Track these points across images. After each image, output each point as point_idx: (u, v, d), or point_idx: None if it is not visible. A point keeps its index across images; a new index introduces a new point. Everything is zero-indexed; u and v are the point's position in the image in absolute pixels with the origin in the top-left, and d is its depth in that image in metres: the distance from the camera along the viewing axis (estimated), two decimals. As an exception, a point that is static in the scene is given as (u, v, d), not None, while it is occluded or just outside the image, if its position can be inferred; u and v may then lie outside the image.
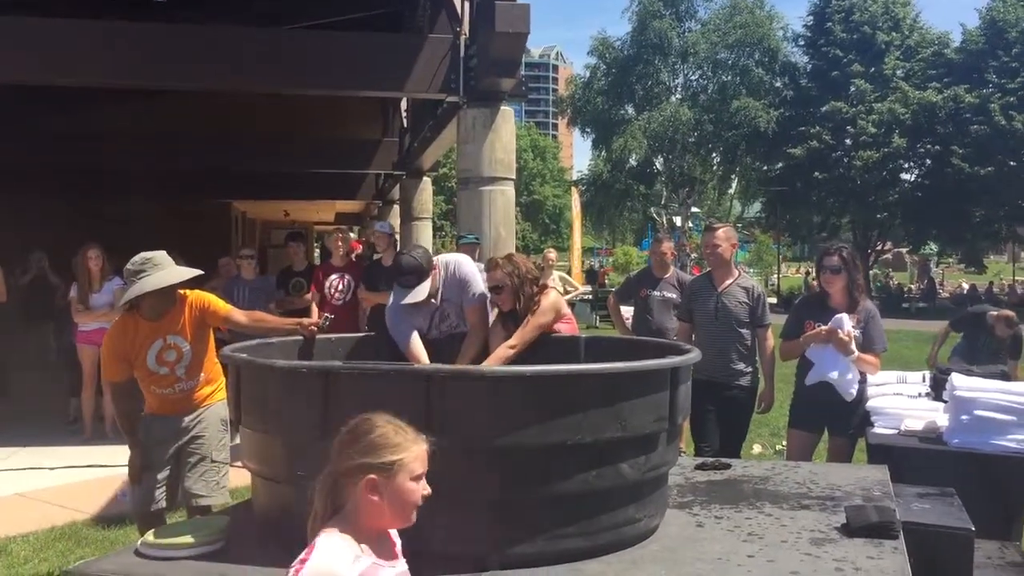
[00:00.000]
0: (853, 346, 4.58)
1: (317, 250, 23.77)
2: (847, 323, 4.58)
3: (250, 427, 2.82)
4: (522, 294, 4.03)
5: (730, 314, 5.14)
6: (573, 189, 37.78)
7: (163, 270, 3.77)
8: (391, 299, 4.38)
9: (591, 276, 31.40)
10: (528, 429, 2.50)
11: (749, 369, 5.19)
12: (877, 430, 4.56)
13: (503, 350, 3.86)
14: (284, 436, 2.70)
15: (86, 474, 6.35)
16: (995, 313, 7.59)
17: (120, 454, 6.56)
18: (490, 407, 2.51)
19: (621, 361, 2.98)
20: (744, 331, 5.16)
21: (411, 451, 1.96)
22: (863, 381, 4.80)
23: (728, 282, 5.24)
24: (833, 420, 4.82)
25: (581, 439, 2.54)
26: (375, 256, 8.44)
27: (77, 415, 7.96)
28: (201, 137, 12.55)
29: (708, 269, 5.48)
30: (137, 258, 3.79)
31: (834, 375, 4.59)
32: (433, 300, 4.34)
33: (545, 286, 4.17)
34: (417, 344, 4.14)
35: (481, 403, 2.52)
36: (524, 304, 4.03)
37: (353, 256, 8.50)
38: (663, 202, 42.60)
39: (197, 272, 3.95)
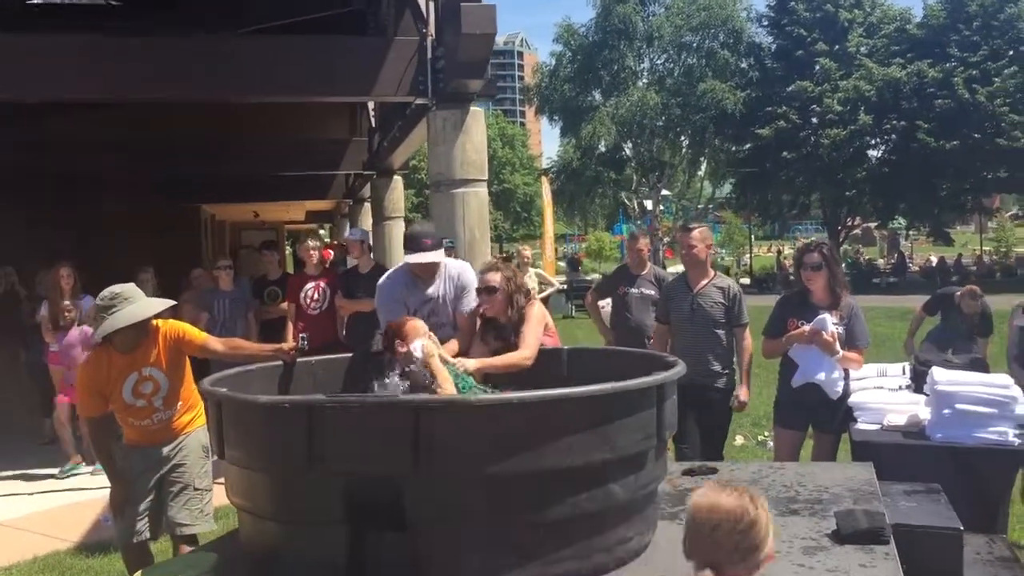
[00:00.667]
0: (837, 346, 4.60)
1: (288, 249, 23.59)
2: (830, 323, 4.60)
3: (234, 462, 2.77)
4: (515, 303, 4.00)
5: (706, 315, 5.14)
6: (543, 178, 37.74)
7: (133, 304, 3.70)
8: (391, 272, 4.44)
9: (572, 264, 31.09)
10: (518, 456, 2.48)
11: (727, 371, 5.20)
12: (860, 426, 4.58)
13: (521, 359, 3.81)
14: (269, 472, 2.66)
15: (66, 498, 6.25)
16: (959, 292, 7.67)
17: (99, 477, 6.52)
18: (480, 436, 2.48)
19: (605, 374, 2.97)
20: (720, 332, 5.16)
21: None
22: (846, 377, 4.83)
23: (703, 283, 5.23)
24: (818, 417, 4.86)
25: (571, 463, 2.52)
26: (350, 262, 8.38)
27: (52, 435, 7.84)
28: (169, 142, 12.40)
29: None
30: (107, 293, 3.72)
31: (820, 376, 4.61)
32: (431, 291, 4.32)
33: (531, 296, 4.14)
34: None
35: (471, 432, 2.49)
36: (514, 313, 4.00)
37: (327, 263, 8.45)
38: (633, 187, 42.67)
39: (169, 304, 3.89)
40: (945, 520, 3.31)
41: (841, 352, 4.61)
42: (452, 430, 2.47)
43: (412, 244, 4.24)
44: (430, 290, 4.32)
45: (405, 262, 4.35)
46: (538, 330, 3.97)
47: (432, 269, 4.31)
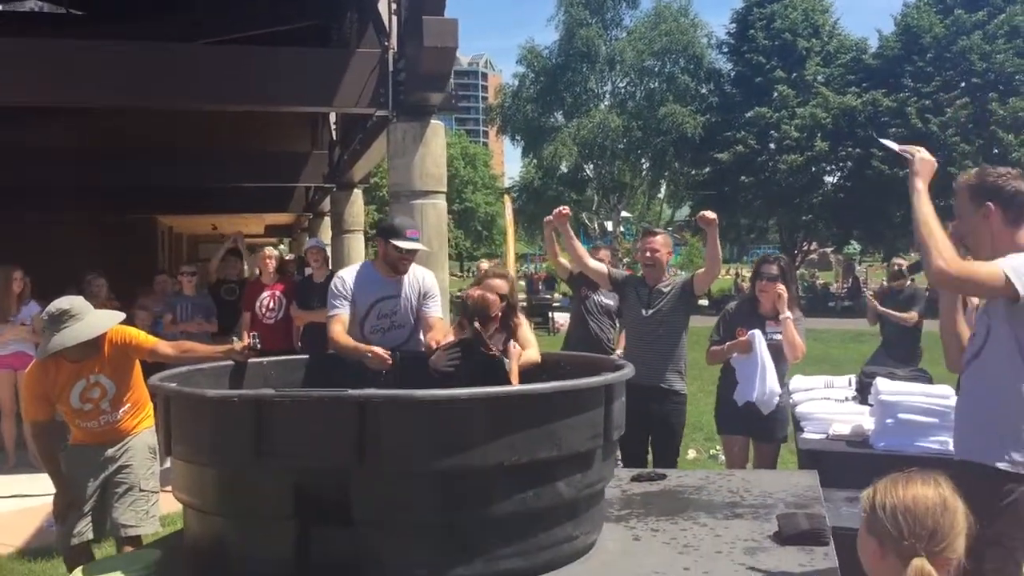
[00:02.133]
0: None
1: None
2: (760, 340, 4.72)
3: (181, 457, 2.76)
4: (512, 313, 4.02)
5: (665, 303, 5.08)
6: (506, 198, 37.88)
7: (81, 321, 3.67)
8: (352, 267, 4.49)
9: (530, 284, 31.04)
10: (464, 452, 2.50)
11: (680, 375, 5.17)
12: (806, 435, 4.66)
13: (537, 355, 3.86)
14: (216, 467, 2.65)
15: (9, 505, 6.13)
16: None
17: (44, 482, 6.39)
18: (425, 431, 2.50)
19: (554, 378, 3.01)
20: (676, 335, 5.11)
21: None
22: (783, 389, 4.95)
23: (662, 281, 5.21)
24: (756, 428, 4.96)
25: (517, 460, 2.54)
26: (307, 272, 8.36)
27: (1, 443, 7.70)
28: (125, 151, 12.31)
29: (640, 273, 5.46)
30: (54, 308, 3.68)
31: (754, 395, 4.72)
32: (395, 290, 4.32)
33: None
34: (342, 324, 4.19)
35: (416, 427, 2.50)
36: (505, 326, 4.02)
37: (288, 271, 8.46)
38: (594, 208, 42.97)
39: (119, 318, 3.86)
40: (884, 524, 3.37)
41: (788, 315, 4.72)
42: (397, 425, 2.48)
43: (396, 232, 4.24)
44: (394, 288, 4.32)
45: (388, 249, 4.29)
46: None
47: (410, 260, 4.33)
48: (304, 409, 2.55)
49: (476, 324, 3.64)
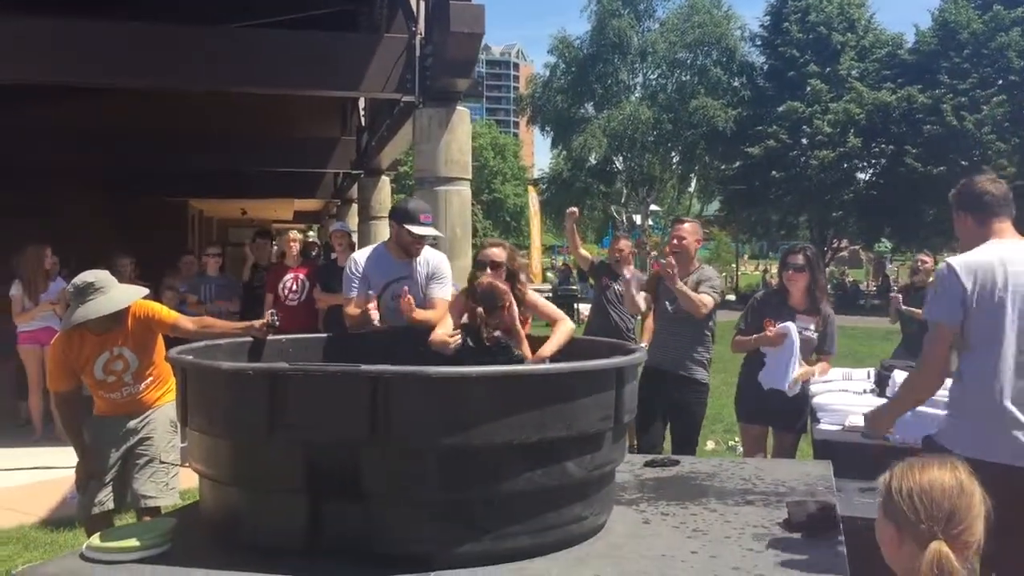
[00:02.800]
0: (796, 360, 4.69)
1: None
2: (794, 332, 4.67)
3: (197, 429, 2.80)
4: (516, 281, 4.06)
5: (685, 308, 5.10)
6: (531, 188, 37.85)
7: (106, 294, 3.74)
8: (365, 248, 4.57)
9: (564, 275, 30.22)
10: (475, 429, 2.52)
11: (703, 365, 5.18)
12: (822, 426, 4.65)
13: (571, 328, 3.94)
14: (231, 438, 2.70)
15: (34, 476, 6.26)
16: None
17: (68, 455, 6.51)
18: (436, 408, 2.52)
19: (567, 360, 3.02)
20: (701, 324, 5.13)
21: None
22: (806, 380, 4.91)
23: (688, 276, 5.22)
24: (776, 417, 4.93)
25: (527, 438, 2.56)
26: (332, 256, 8.42)
27: (28, 417, 7.84)
28: (157, 135, 12.43)
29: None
30: (79, 281, 3.76)
31: (784, 384, 4.68)
32: (406, 271, 4.37)
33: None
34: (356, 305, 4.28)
35: (427, 404, 2.53)
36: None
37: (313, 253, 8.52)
38: (623, 200, 42.86)
39: (142, 293, 3.93)
40: (896, 515, 3.36)
41: (803, 368, 4.68)
42: (410, 400, 2.51)
43: (410, 217, 4.27)
44: (406, 270, 4.36)
45: (401, 233, 4.33)
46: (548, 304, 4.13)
47: (423, 244, 4.37)
48: (317, 383, 2.58)
49: (480, 311, 3.68)
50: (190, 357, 2.89)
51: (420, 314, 4.06)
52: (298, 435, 2.54)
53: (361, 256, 4.46)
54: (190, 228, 18.50)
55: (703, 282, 5.16)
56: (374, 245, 4.82)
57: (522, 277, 4.13)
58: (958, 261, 3.15)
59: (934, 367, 3.20)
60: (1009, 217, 3.20)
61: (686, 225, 5.34)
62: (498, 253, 4.07)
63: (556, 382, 2.67)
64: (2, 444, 6.93)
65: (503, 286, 3.79)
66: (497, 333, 3.67)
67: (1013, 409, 3.02)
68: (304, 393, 2.55)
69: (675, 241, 5.24)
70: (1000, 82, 33.08)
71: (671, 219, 18.38)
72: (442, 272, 4.44)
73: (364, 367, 2.56)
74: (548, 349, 3.79)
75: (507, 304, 3.75)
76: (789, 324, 4.71)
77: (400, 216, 4.33)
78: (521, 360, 3.65)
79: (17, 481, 6.18)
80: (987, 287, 3.05)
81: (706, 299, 4.98)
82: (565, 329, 3.88)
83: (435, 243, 6.91)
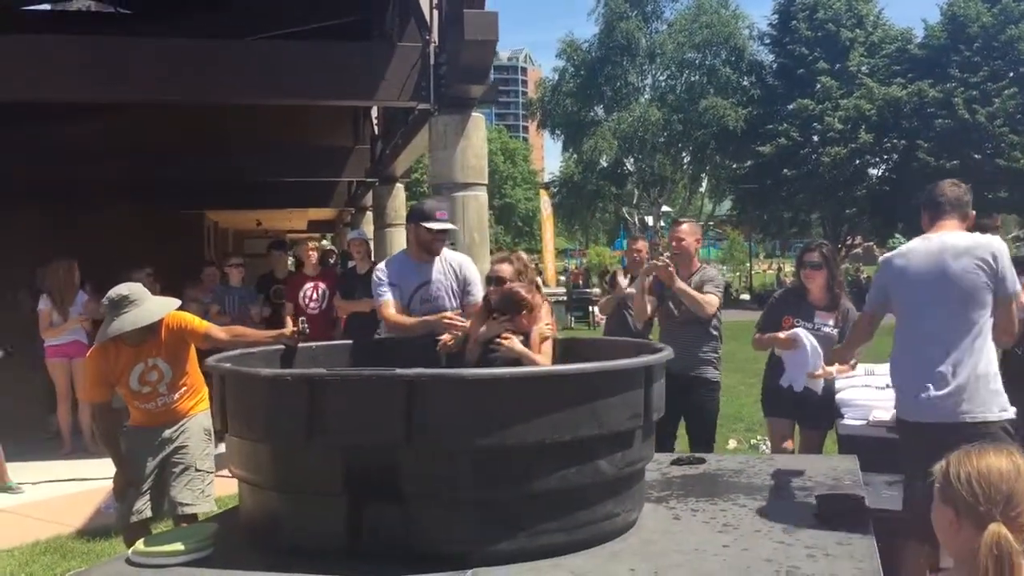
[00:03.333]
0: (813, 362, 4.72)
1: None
2: (803, 336, 4.70)
3: (236, 434, 2.87)
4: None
5: (690, 308, 5.14)
6: (543, 192, 37.90)
7: (140, 306, 3.82)
8: (389, 257, 4.65)
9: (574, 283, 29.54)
10: (508, 429, 2.57)
11: (714, 362, 5.23)
12: (847, 421, 4.68)
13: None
14: (270, 443, 2.76)
15: (68, 488, 6.35)
16: None
17: (100, 467, 6.60)
18: (471, 409, 2.58)
19: (595, 361, 3.07)
20: (705, 322, 5.17)
21: None
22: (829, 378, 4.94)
23: (690, 276, 5.26)
24: (802, 413, 4.95)
25: (560, 437, 2.61)
26: (350, 264, 8.49)
27: (57, 429, 7.93)
28: (172, 147, 12.53)
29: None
30: (115, 294, 3.83)
31: (800, 385, 4.70)
32: (430, 275, 4.44)
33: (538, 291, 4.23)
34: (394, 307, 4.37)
35: (462, 405, 2.58)
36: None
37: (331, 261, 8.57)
38: (635, 202, 42.88)
39: (175, 304, 4.00)
40: (924, 507, 3.40)
41: (822, 369, 4.70)
42: (445, 403, 2.57)
43: (426, 215, 4.35)
44: (430, 273, 4.43)
45: (419, 232, 4.41)
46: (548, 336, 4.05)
47: (443, 240, 4.44)
48: (355, 387, 2.64)
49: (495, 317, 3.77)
50: (229, 364, 2.95)
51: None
52: (336, 439, 2.60)
53: (386, 264, 4.56)
54: (206, 240, 18.60)
55: (706, 282, 5.21)
56: (395, 253, 4.90)
57: (538, 293, 4.11)
58: (886, 255, 3.80)
59: (857, 340, 4.16)
60: (958, 217, 3.64)
61: (684, 226, 5.41)
62: (505, 269, 4.08)
63: (587, 382, 2.72)
64: (34, 457, 7.02)
65: (523, 291, 3.83)
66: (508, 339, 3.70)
67: (922, 373, 3.48)
68: (342, 398, 2.61)
69: (674, 243, 5.30)
70: (1011, 75, 32.96)
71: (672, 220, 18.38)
72: (471, 278, 4.51)
73: (399, 371, 2.62)
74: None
75: (528, 309, 3.80)
76: (797, 331, 4.73)
77: (417, 216, 4.42)
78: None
79: (51, 493, 6.26)
80: (908, 271, 3.59)
81: (711, 298, 5.04)
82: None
83: (453, 244, 7.00)
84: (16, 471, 6.34)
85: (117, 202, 13.23)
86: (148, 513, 3.95)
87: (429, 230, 4.34)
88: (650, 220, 41.10)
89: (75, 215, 13.00)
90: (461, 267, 4.51)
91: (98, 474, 6.35)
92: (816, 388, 4.73)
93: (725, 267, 51.67)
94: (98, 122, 11.72)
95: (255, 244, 20.56)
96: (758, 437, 7.66)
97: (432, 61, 7.35)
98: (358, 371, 2.83)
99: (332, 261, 9.54)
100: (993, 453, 1.90)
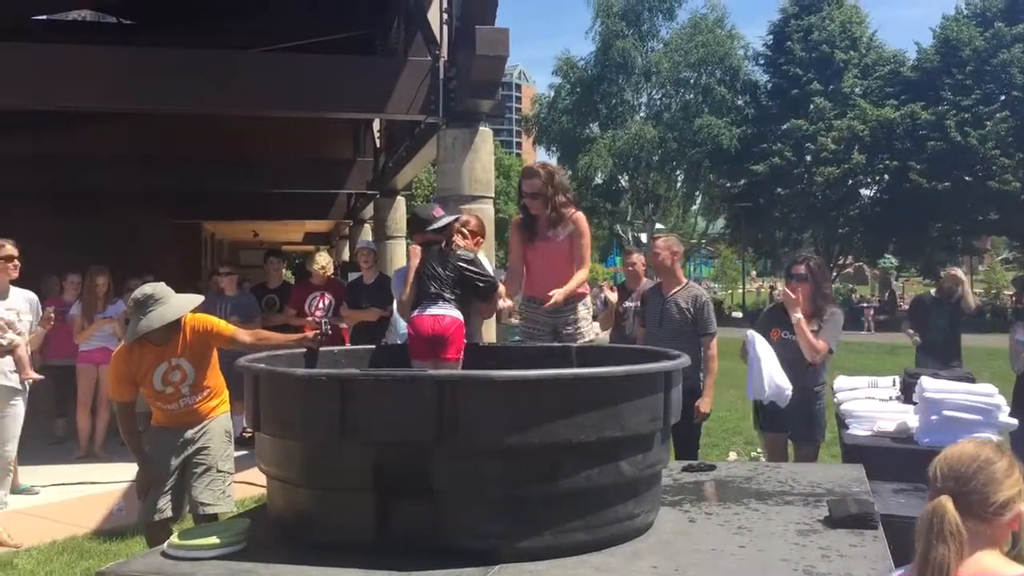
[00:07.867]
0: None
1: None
2: (753, 342, 4.86)
3: (269, 433, 2.94)
4: (555, 201, 4.43)
5: (674, 321, 5.24)
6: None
7: (165, 304, 3.90)
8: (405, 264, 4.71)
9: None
10: (535, 429, 2.65)
11: (694, 376, 5.14)
12: (851, 432, 4.77)
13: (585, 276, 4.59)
14: (302, 441, 2.84)
15: (79, 491, 6.38)
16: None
17: (109, 471, 6.65)
18: (500, 409, 2.66)
19: (616, 365, 3.16)
20: (687, 338, 5.15)
21: None
22: (821, 383, 5.12)
23: (675, 290, 5.34)
24: (795, 428, 5.09)
25: (584, 438, 2.69)
26: (352, 276, 8.56)
27: (65, 434, 7.96)
28: (171, 157, 12.58)
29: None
30: (139, 294, 3.92)
31: (764, 394, 4.78)
32: None
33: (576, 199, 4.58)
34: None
35: (491, 406, 2.66)
36: (554, 211, 4.48)
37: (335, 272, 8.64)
38: (628, 219, 43.09)
39: (199, 300, 4.09)
40: (931, 513, 3.49)
41: (798, 316, 4.85)
42: (474, 403, 2.65)
43: (423, 222, 4.40)
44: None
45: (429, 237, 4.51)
46: (588, 241, 4.68)
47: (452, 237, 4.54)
48: (386, 388, 2.72)
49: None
50: (263, 365, 3.03)
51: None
52: (368, 437, 2.68)
53: (401, 269, 4.65)
54: (203, 250, 18.64)
55: (698, 310, 5.27)
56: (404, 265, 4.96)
57: (562, 196, 4.59)
58: None
59: None
60: None
61: (658, 241, 5.54)
62: (534, 184, 4.56)
63: (612, 384, 2.81)
64: (44, 461, 7.03)
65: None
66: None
67: None
68: (374, 397, 2.69)
69: (652, 260, 5.45)
70: (1003, 98, 33.33)
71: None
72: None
73: (430, 372, 2.71)
74: (566, 290, 4.42)
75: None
76: (751, 333, 4.87)
77: (419, 224, 4.50)
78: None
79: (64, 496, 6.29)
80: None
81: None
82: (582, 276, 4.49)
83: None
84: (26, 475, 6.37)
85: (114, 211, 13.23)
86: (169, 512, 4.01)
87: (435, 231, 4.46)
88: (644, 237, 41.30)
89: (68, 224, 12.98)
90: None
91: (109, 478, 6.44)
92: (782, 400, 4.81)
93: (717, 285, 51.88)
94: (96, 132, 11.76)
95: (251, 255, 20.51)
96: (758, 450, 7.74)
97: (442, 75, 7.46)
98: (390, 372, 2.91)
99: (334, 270, 9.61)
100: (970, 443, 1.95)
